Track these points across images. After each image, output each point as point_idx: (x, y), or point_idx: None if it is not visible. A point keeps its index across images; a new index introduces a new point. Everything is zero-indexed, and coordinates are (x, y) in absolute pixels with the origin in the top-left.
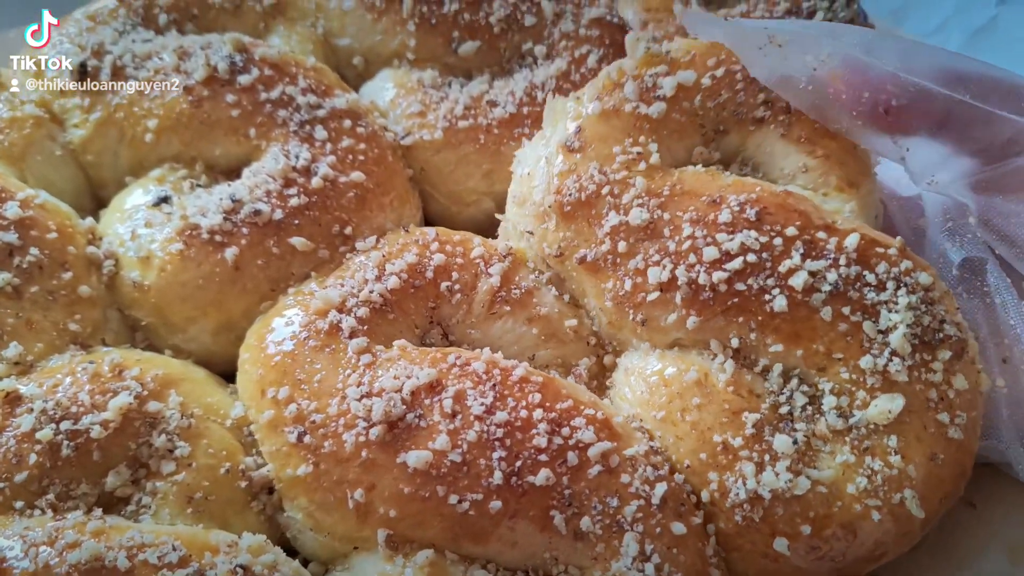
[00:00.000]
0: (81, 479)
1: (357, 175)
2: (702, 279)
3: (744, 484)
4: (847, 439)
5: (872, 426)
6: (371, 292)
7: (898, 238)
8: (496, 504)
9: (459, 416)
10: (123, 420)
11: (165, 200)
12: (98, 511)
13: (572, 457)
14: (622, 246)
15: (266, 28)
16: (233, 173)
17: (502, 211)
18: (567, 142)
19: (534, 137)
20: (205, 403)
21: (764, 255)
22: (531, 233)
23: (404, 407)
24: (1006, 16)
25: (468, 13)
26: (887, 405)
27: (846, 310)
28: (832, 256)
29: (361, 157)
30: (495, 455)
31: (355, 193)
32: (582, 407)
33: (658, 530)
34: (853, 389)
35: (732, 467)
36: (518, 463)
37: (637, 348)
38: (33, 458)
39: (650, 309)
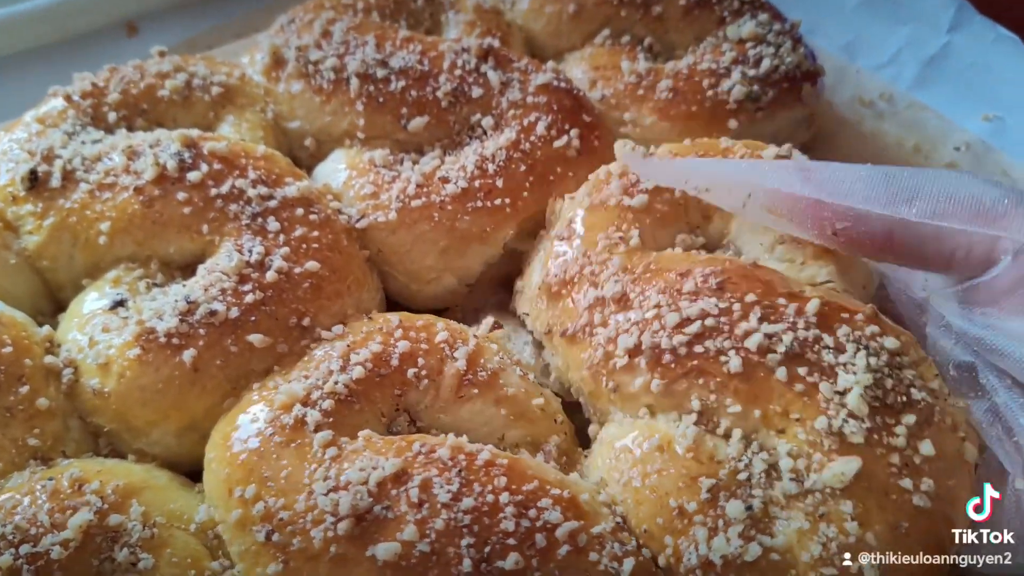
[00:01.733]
0: None
1: (312, 264)
2: (664, 343)
3: (696, 549)
4: (801, 505)
5: (828, 490)
6: (336, 384)
7: (869, 305)
8: None
9: (426, 505)
10: (84, 537)
11: (121, 304)
12: None
13: (540, 539)
14: (597, 318)
15: (216, 116)
16: (189, 269)
17: (463, 286)
18: (559, 233)
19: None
20: (168, 510)
21: (722, 319)
22: (527, 315)
23: (371, 499)
24: (958, 43)
25: (415, 89)
26: (841, 468)
27: (802, 371)
28: (790, 320)
29: (315, 245)
30: (463, 542)
31: (310, 283)
32: (548, 487)
33: None
34: (810, 452)
35: (687, 532)
36: (487, 549)
37: (614, 418)
38: None
39: (620, 375)
